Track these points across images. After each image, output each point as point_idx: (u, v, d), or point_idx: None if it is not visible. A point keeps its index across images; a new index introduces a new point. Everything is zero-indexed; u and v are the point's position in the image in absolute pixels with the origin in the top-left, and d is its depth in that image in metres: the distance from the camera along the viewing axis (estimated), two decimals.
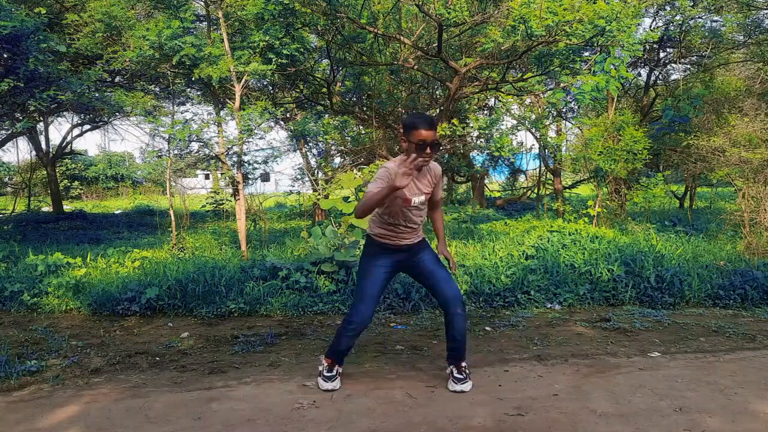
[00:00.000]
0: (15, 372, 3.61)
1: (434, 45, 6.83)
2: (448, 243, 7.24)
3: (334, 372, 3.35)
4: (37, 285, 5.65)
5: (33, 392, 3.35)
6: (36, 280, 5.76)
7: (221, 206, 12.44)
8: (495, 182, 21.45)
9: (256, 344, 4.22)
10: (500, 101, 11.79)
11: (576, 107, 11.77)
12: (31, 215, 14.56)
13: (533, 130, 11.15)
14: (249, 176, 11.45)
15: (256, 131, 7.69)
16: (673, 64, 13.04)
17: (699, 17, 11.27)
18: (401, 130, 3.17)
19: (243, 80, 7.22)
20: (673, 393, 3.17)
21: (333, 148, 12.50)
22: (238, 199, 7.69)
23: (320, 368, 3.40)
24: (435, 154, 3.14)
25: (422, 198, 3.28)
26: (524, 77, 7.11)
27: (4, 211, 16.16)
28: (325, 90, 8.86)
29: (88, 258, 6.68)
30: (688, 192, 14.49)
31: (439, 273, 3.33)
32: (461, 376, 3.29)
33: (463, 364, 3.35)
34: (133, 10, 9.25)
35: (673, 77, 13.97)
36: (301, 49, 7.54)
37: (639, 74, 13.34)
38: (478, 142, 11.05)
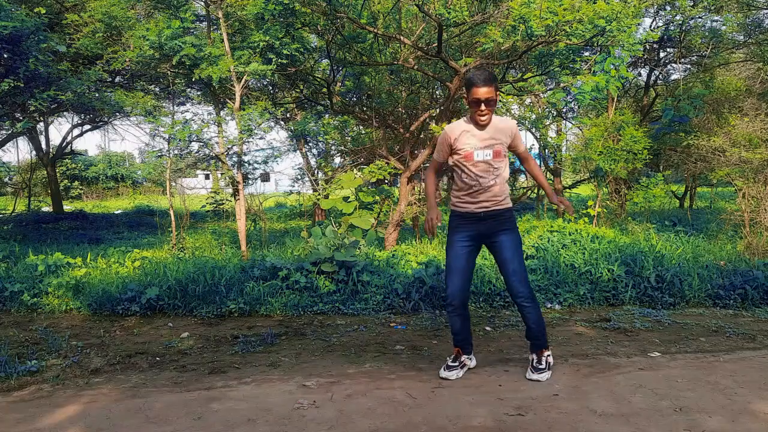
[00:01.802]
0: (15, 372, 3.62)
1: (434, 45, 6.83)
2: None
3: (457, 363, 3.44)
4: (37, 285, 5.65)
5: (33, 392, 3.35)
6: (36, 280, 5.76)
7: (221, 206, 12.46)
8: None
9: (256, 344, 4.22)
10: (500, 101, 11.80)
11: (576, 107, 11.76)
12: (31, 215, 14.57)
13: (533, 130, 11.16)
14: (249, 176, 11.46)
15: (256, 131, 7.69)
16: (673, 64, 13.03)
17: (699, 17, 11.26)
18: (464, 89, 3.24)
19: (243, 80, 7.22)
20: (673, 393, 3.17)
21: (333, 148, 12.50)
22: (238, 199, 7.69)
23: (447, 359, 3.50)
24: (491, 110, 3.14)
25: (488, 153, 3.23)
26: (524, 77, 7.10)
27: (4, 211, 16.16)
28: (325, 90, 8.86)
29: (88, 258, 6.68)
30: (688, 192, 14.50)
31: (512, 265, 3.28)
32: (541, 366, 3.38)
33: (547, 352, 3.43)
34: (133, 10, 9.26)
35: (673, 77, 13.96)
36: (301, 49, 7.54)
37: (639, 74, 13.34)
38: None
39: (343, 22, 7.02)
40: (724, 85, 11.68)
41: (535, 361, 3.40)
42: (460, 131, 3.29)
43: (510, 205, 3.36)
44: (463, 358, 3.48)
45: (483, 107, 3.12)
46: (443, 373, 3.40)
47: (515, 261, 3.28)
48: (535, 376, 3.34)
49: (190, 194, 16.97)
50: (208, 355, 4.03)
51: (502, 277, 5.47)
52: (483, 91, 3.10)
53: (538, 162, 13.94)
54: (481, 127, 3.25)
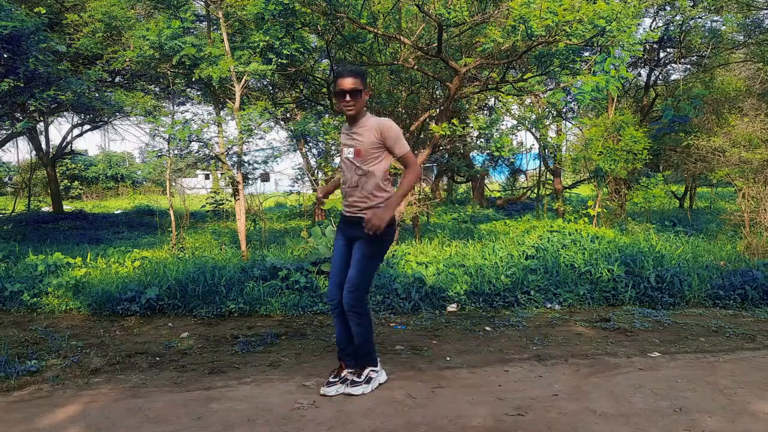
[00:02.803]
0: (15, 372, 3.61)
1: (434, 45, 6.83)
2: (448, 243, 7.24)
3: (337, 378, 3.28)
4: (37, 285, 5.64)
5: (33, 392, 3.35)
6: (36, 280, 5.76)
7: (221, 206, 12.45)
8: (495, 182, 21.46)
9: (256, 344, 4.22)
10: (500, 101, 11.79)
11: (576, 107, 11.77)
12: (31, 215, 14.56)
13: (533, 130, 11.16)
14: (249, 176, 11.46)
15: (256, 131, 7.69)
16: (673, 64, 13.04)
17: (699, 17, 11.27)
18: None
19: (243, 80, 7.22)
20: (673, 393, 3.17)
21: (333, 148, 12.49)
22: (238, 199, 7.69)
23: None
24: (354, 100, 3.07)
25: (350, 152, 3.13)
26: (524, 77, 7.10)
27: (4, 211, 16.15)
28: (325, 90, 8.86)
29: (88, 258, 6.68)
30: (688, 192, 14.50)
31: (348, 272, 3.15)
32: (358, 380, 3.23)
33: (366, 371, 3.27)
34: (133, 10, 9.26)
35: (673, 77, 13.97)
36: (301, 49, 7.54)
37: (639, 74, 13.34)
38: (478, 142, 11.07)
39: (343, 22, 7.02)
40: (724, 86, 11.68)
41: (350, 375, 3.25)
42: (343, 128, 3.30)
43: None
44: (345, 372, 3.27)
45: (347, 98, 3.07)
46: (323, 390, 3.21)
47: (353, 269, 3.12)
48: (350, 390, 3.19)
49: (190, 194, 16.98)
50: (208, 355, 4.02)
51: (498, 278, 5.49)
52: (347, 82, 3.06)
53: (538, 162, 13.95)
54: (350, 122, 3.19)
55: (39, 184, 22.56)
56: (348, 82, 3.06)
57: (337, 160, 12.62)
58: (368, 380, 3.24)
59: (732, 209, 8.11)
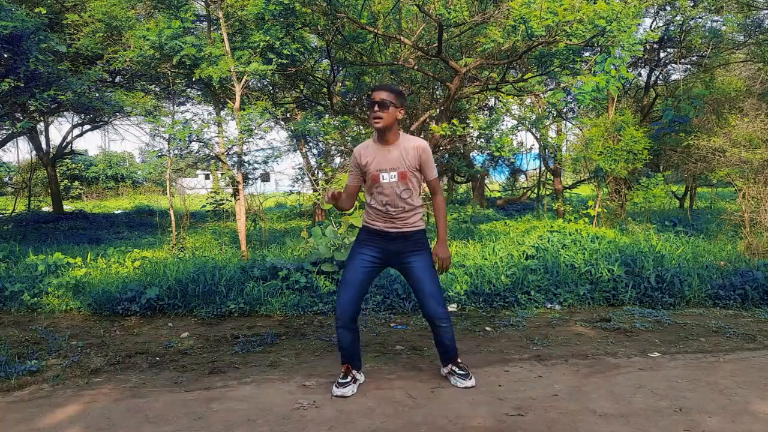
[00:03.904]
0: (15, 372, 3.62)
1: (434, 45, 6.83)
2: (448, 243, 7.24)
3: (348, 379, 3.25)
4: (37, 285, 5.65)
5: (33, 392, 3.35)
6: (36, 280, 5.76)
7: (221, 206, 12.44)
8: (495, 182, 21.47)
9: (256, 344, 4.22)
10: (500, 101, 11.80)
11: (576, 107, 11.76)
12: (31, 215, 14.56)
13: (533, 130, 11.15)
14: (249, 176, 11.45)
15: (256, 131, 7.69)
16: (673, 64, 13.03)
17: (699, 17, 11.27)
18: None
19: (243, 80, 7.22)
20: (673, 393, 3.17)
21: (333, 148, 12.49)
22: (238, 199, 7.69)
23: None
24: (382, 111, 3.05)
25: (394, 176, 3.12)
26: (524, 77, 7.10)
27: (4, 211, 16.16)
28: (325, 90, 8.86)
29: (88, 258, 6.68)
30: (689, 192, 14.50)
31: (426, 286, 3.16)
32: (464, 371, 3.33)
33: (459, 359, 3.39)
34: (133, 10, 9.27)
35: (674, 77, 13.97)
36: (302, 49, 7.55)
37: (639, 74, 13.34)
38: (478, 142, 11.06)
39: (343, 22, 7.02)
40: (724, 86, 11.68)
41: (457, 369, 3.33)
42: (365, 148, 3.21)
43: (423, 227, 3.26)
44: (354, 372, 3.30)
45: (376, 108, 3.05)
46: (337, 391, 3.19)
47: (429, 281, 3.17)
48: (468, 383, 3.27)
49: (190, 194, 16.97)
50: (208, 355, 4.02)
51: (498, 278, 5.48)
52: (379, 94, 3.07)
53: (538, 162, 13.96)
54: (380, 139, 3.16)
55: (39, 184, 22.56)
56: (379, 94, 3.07)
57: (337, 160, 12.63)
58: (469, 370, 3.36)
59: (732, 209, 8.11)
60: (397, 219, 3.18)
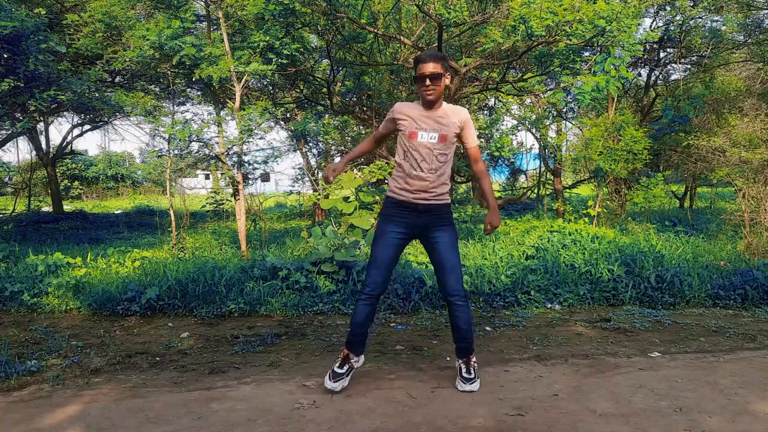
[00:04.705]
0: (15, 372, 3.61)
1: (434, 45, 6.83)
2: None
3: (344, 369, 3.24)
4: (37, 285, 5.64)
5: (33, 392, 3.34)
6: (36, 280, 5.76)
7: (221, 206, 12.44)
8: (495, 182, 21.47)
9: (256, 344, 4.22)
10: (500, 101, 11.80)
11: (576, 107, 11.77)
12: (31, 215, 14.56)
13: (533, 130, 11.16)
14: (249, 176, 11.46)
15: (256, 131, 7.69)
16: (673, 64, 13.04)
17: (699, 17, 11.27)
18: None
19: (243, 80, 7.22)
20: (673, 393, 3.17)
21: (333, 148, 12.50)
22: (238, 199, 7.69)
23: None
24: (435, 85, 3.05)
25: (434, 137, 3.10)
26: (524, 77, 7.11)
27: (4, 211, 16.16)
28: (325, 90, 8.86)
29: (88, 258, 6.68)
30: (689, 192, 14.51)
31: (448, 263, 3.15)
32: (471, 375, 3.25)
33: (474, 358, 3.32)
34: (133, 10, 9.27)
35: (674, 77, 13.98)
36: (302, 49, 7.56)
37: (639, 74, 13.35)
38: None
39: (343, 22, 7.02)
40: (724, 85, 11.69)
41: (464, 370, 3.27)
42: (408, 107, 3.19)
43: (449, 201, 3.25)
44: (353, 360, 3.28)
45: (428, 82, 3.04)
46: (328, 383, 3.17)
47: (452, 258, 3.18)
48: (467, 387, 3.21)
49: (190, 194, 16.97)
50: (208, 355, 4.02)
51: (498, 278, 5.48)
52: (428, 67, 3.04)
53: (538, 162, 13.96)
54: (427, 107, 3.13)
55: (39, 184, 22.55)
56: (429, 67, 3.04)
57: (337, 160, 12.63)
58: (477, 373, 3.29)
59: (732, 209, 8.11)
60: (429, 187, 3.14)
